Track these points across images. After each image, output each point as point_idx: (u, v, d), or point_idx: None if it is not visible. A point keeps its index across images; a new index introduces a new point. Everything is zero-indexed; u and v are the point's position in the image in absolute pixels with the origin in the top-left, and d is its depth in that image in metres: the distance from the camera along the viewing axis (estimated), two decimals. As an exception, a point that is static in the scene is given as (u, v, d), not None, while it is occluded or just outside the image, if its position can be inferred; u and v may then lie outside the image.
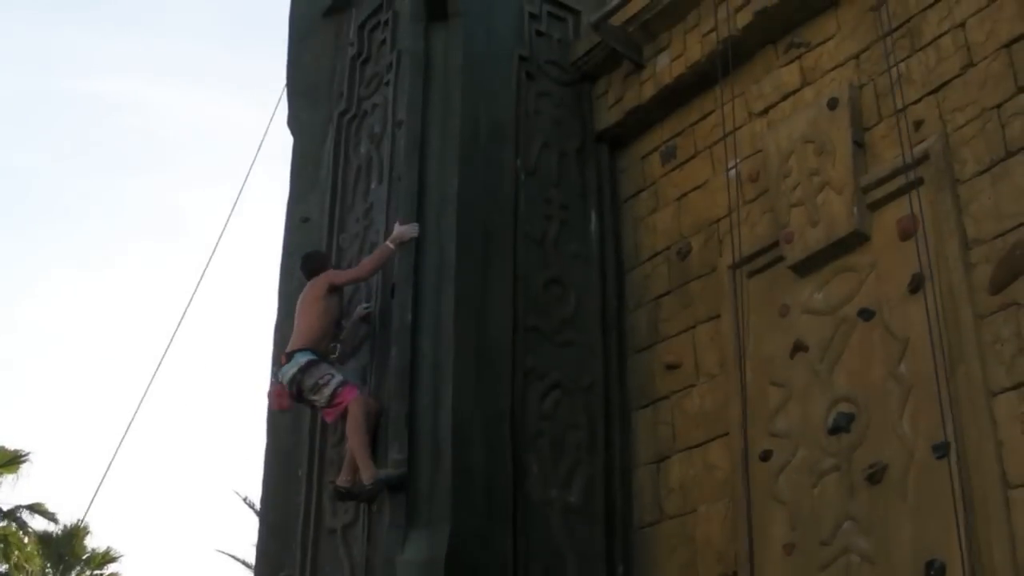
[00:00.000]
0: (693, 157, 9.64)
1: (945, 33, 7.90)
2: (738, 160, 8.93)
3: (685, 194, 9.58)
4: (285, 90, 11.25)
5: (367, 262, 9.12)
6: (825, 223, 8.13)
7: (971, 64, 7.67)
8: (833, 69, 8.66)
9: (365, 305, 9.26)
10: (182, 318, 10.43)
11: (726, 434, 8.44)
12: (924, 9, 8.09)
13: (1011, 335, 6.88)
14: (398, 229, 9.03)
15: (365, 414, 8.53)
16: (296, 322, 9.02)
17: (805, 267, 8.28)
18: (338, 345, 9.14)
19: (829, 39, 8.78)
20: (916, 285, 7.44)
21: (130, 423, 10.31)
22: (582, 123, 10.32)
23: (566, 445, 8.92)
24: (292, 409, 9.15)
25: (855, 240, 7.99)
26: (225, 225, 11.15)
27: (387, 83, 9.97)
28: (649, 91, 9.93)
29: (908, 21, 8.17)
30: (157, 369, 10.29)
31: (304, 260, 9.52)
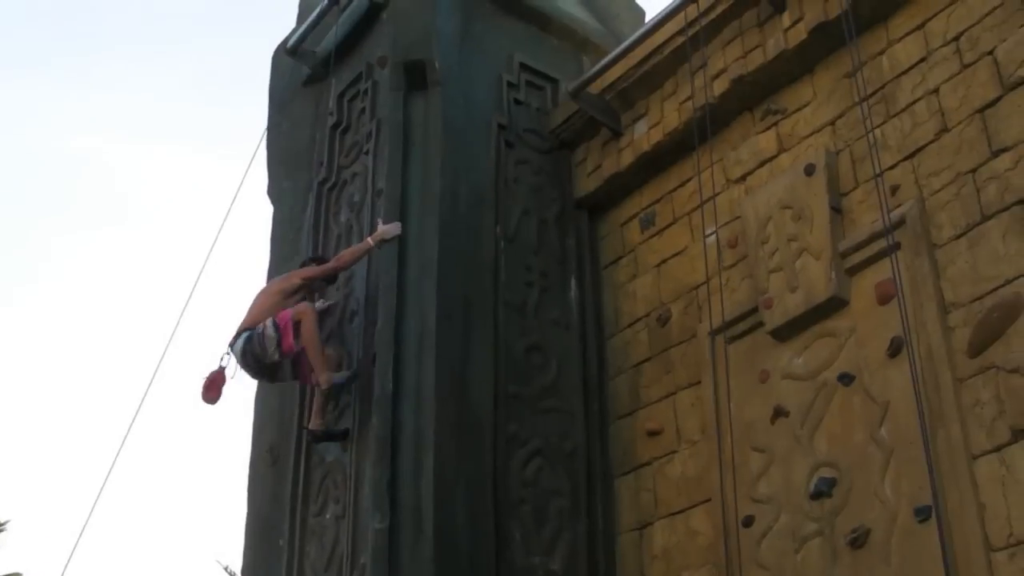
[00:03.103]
0: (672, 224, 9.69)
1: (919, 99, 7.99)
2: (717, 226, 8.98)
3: (664, 261, 9.62)
4: (264, 157, 11.28)
5: (345, 254, 9.25)
6: (804, 288, 8.16)
7: (946, 129, 7.75)
8: (810, 135, 8.73)
9: (324, 301, 9.41)
10: (150, 384, 10.44)
11: (708, 500, 8.42)
12: (898, 75, 8.19)
13: (991, 398, 6.90)
14: (381, 227, 9.15)
15: (315, 320, 8.74)
16: (251, 304, 9.10)
17: (785, 332, 8.30)
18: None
19: (805, 105, 8.87)
20: (895, 349, 7.47)
21: (100, 490, 10.25)
22: (561, 190, 10.37)
23: (548, 512, 8.88)
24: (217, 401, 9.00)
25: (834, 305, 8.02)
26: (192, 289, 11.06)
27: (367, 152, 10.01)
28: (627, 158, 10.00)
29: (883, 87, 8.26)
30: (127, 434, 10.26)
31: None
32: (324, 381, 8.75)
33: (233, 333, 8.98)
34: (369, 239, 9.17)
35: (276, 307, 8.95)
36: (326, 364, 8.84)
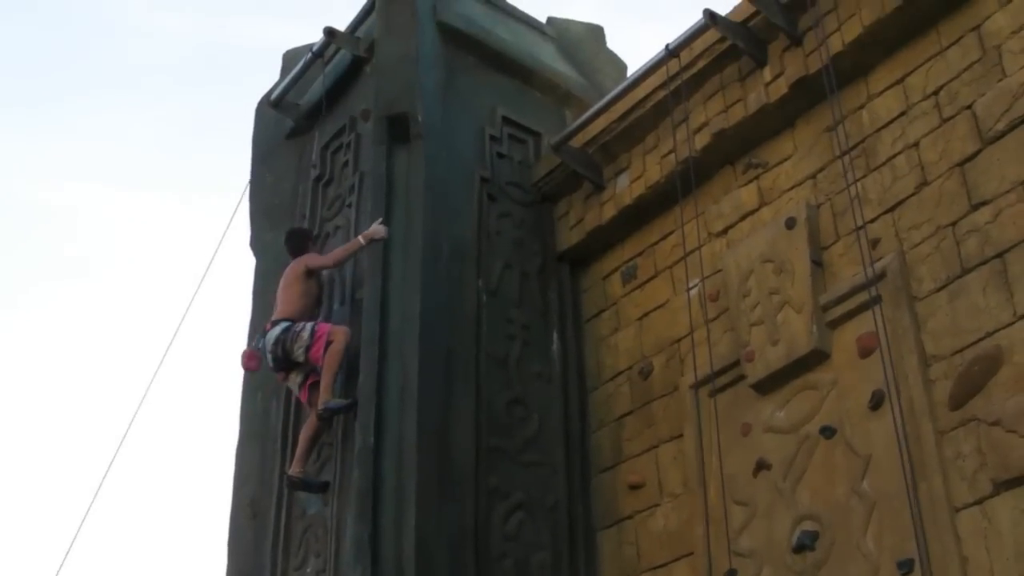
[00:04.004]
0: (654, 277, 9.70)
1: (899, 153, 8.02)
2: (698, 280, 8.99)
3: (646, 314, 9.62)
4: (247, 209, 11.27)
5: (338, 251, 9.58)
6: (785, 342, 8.17)
7: (925, 183, 7.78)
8: (791, 189, 8.77)
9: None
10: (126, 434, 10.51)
11: (691, 554, 8.38)
12: (878, 129, 8.23)
13: (972, 450, 6.90)
14: (372, 227, 9.41)
15: (346, 348, 9.03)
16: (279, 296, 9.51)
17: (766, 386, 8.29)
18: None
19: (786, 159, 8.90)
20: (877, 402, 7.47)
21: (74, 538, 10.28)
22: (543, 243, 10.39)
23: (530, 566, 8.83)
24: (259, 370, 9.60)
25: (815, 358, 8.02)
26: (173, 336, 11.15)
27: (350, 205, 10.02)
28: (610, 212, 10.02)
29: (863, 141, 8.30)
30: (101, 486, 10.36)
31: (288, 237, 9.99)
32: (321, 401, 8.91)
33: (271, 320, 9.40)
34: (360, 237, 9.41)
35: (300, 292, 9.39)
36: (331, 388, 8.98)
